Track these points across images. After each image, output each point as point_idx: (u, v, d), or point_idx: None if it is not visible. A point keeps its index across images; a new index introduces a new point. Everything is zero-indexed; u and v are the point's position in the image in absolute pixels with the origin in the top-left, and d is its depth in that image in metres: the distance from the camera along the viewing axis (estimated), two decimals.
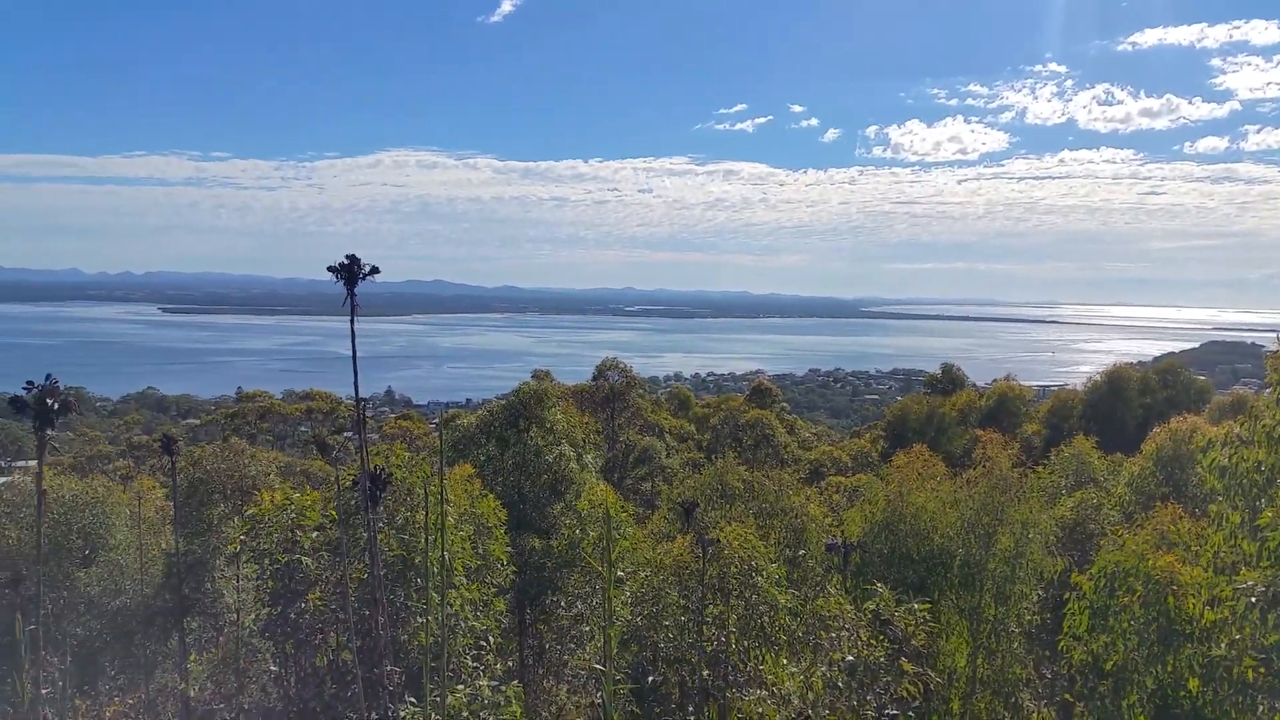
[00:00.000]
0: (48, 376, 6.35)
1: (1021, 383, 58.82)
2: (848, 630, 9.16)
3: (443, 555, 9.15)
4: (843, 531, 18.12)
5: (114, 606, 15.48)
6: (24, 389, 6.18)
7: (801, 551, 17.82)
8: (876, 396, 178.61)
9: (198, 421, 73.98)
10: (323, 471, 34.97)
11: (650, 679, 13.50)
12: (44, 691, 8.83)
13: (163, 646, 15.52)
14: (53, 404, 6.24)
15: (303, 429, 61.22)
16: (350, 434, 58.44)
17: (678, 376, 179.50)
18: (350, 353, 8.18)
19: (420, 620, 11.40)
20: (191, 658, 12.78)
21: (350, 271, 7.74)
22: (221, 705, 11.74)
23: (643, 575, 14.90)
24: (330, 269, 7.85)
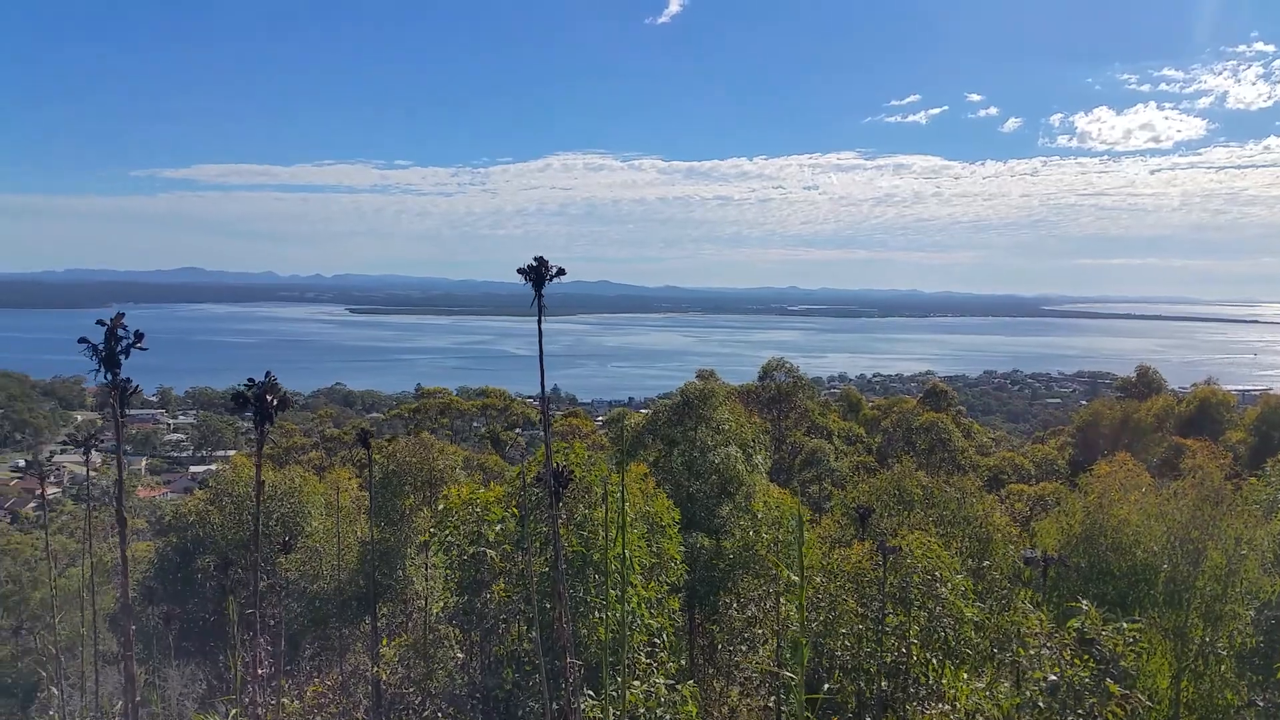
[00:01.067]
0: (266, 374, 6.74)
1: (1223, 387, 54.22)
2: (1049, 648, 8.61)
3: (622, 552, 9.21)
4: (1033, 543, 17.14)
5: (311, 591, 16.45)
6: (245, 386, 6.60)
7: (986, 563, 16.98)
8: (1058, 400, 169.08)
9: (381, 416, 78.21)
10: (497, 465, 36.11)
11: (826, 687, 13.17)
12: (260, 671, 9.42)
13: (355, 630, 16.41)
14: (272, 400, 6.63)
15: (475, 424, 63.58)
16: (521, 430, 60.33)
17: (842, 378, 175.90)
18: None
19: (598, 615, 11.54)
20: (384, 641, 13.43)
21: (538, 273, 7.86)
22: (411, 689, 12.27)
23: (817, 580, 14.57)
24: (520, 271, 7.99)
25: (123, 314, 5.71)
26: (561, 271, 7.93)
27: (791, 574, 15.26)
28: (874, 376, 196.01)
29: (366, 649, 15.03)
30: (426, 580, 14.87)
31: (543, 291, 7.92)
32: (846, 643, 13.90)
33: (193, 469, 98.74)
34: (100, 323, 5.61)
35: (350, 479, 21.07)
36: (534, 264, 7.89)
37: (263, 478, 18.69)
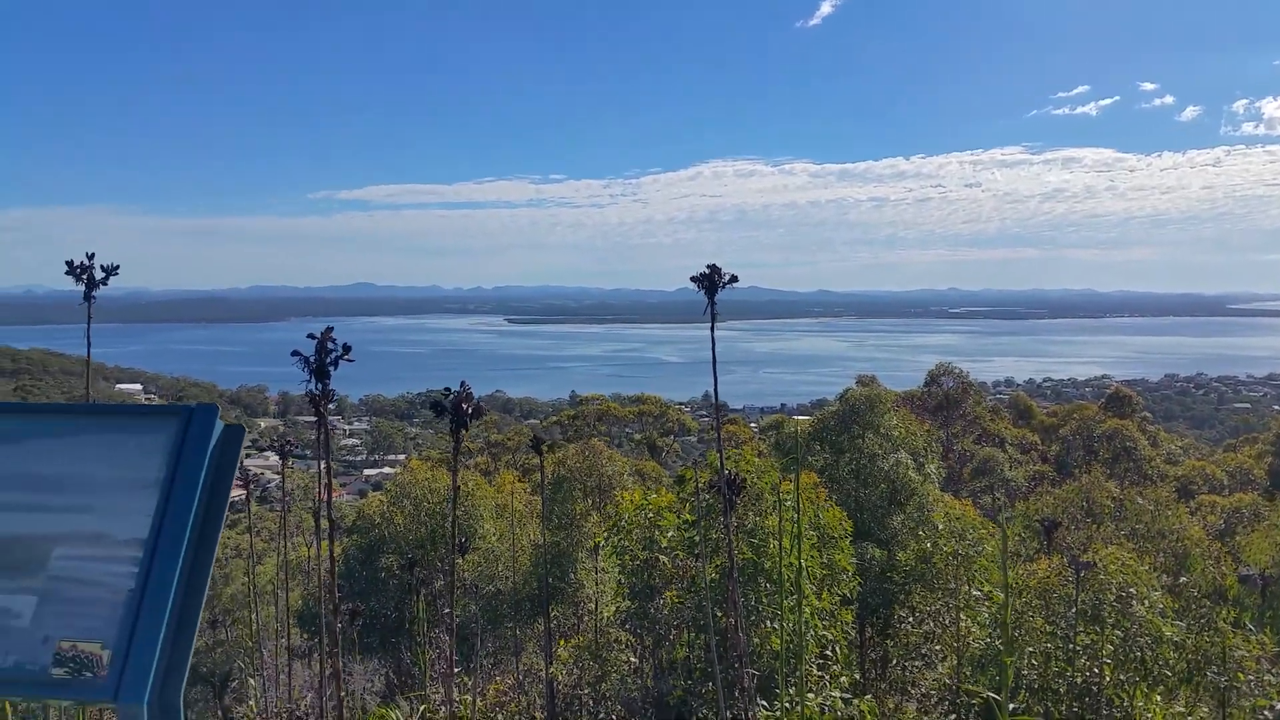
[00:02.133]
0: (461, 384, 6.98)
1: None
2: (1273, 673, 7.91)
3: (797, 561, 9.06)
4: (1236, 559, 15.86)
5: (487, 592, 16.98)
6: (442, 394, 6.84)
7: (1183, 579, 15.80)
8: (1247, 405, 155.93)
9: (538, 422, 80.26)
10: (654, 472, 36.29)
11: (1011, 707, 12.56)
12: (451, 670, 9.75)
13: (529, 630, 16.84)
14: (467, 409, 6.86)
15: (629, 430, 64.33)
16: (675, 436, 60.62)
17: (1009, 382, 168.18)
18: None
19: (771, 625, 11.42)
20: (560, 643, 13.71)
21: (711, 281, 7.83)
22: (586, 690, 12.49)
23: (999, 597, 13.93)
24: (693, 279, 7.97)
25: (331, 328, 6.00)
26: (734, 279, 7.88)
27: (975, 589, 14.66)
28: (1044, 381, 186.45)
29: (540, 649, 15.38)
30: (597, 584, 15.09)
31: (715, 299, 7.90)
32: (1033, 662, 13.24)
33: (367, 472, 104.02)
34: (311, 336, 5.90)
35: (517, 483, 21.68)
36: (706, 271, 7.86)
37: (438, 483, 19.26)
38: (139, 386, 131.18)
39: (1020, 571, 13.48)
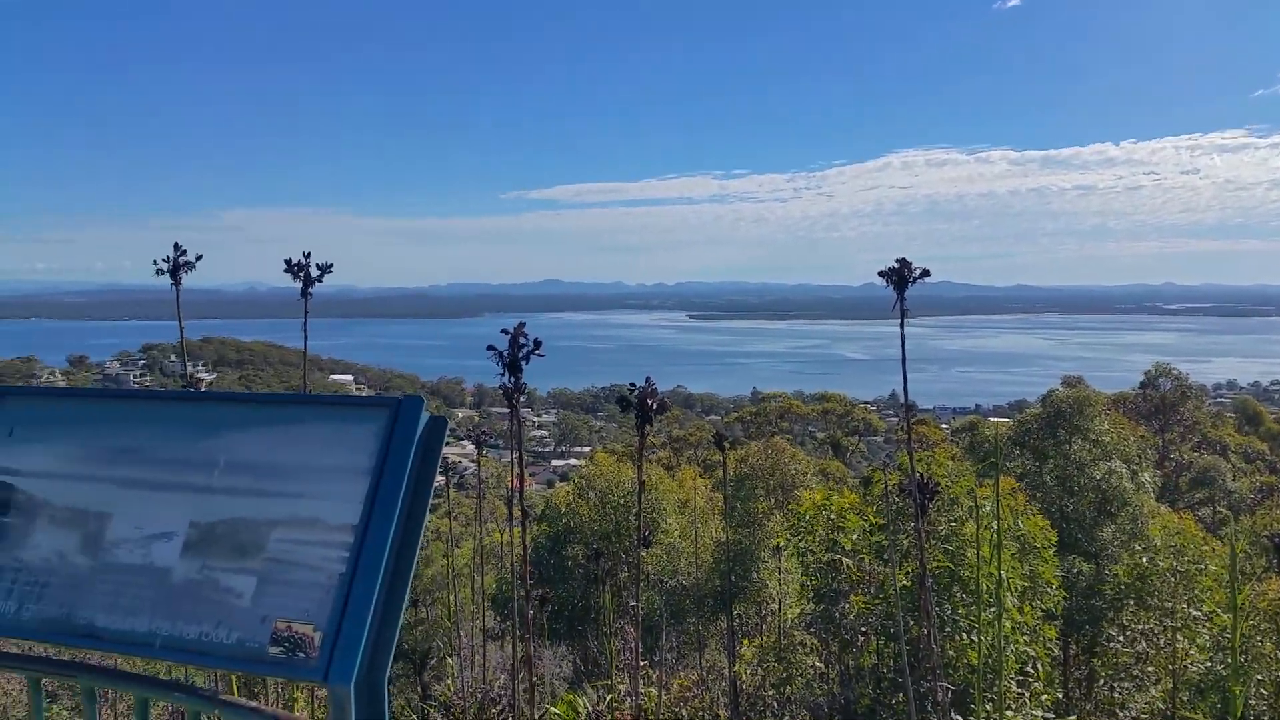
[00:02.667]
0: (646, 379, 6.98)
1: None
2: None
3: (997, 572, 8.54)
4: None
5: (670, 586, 17.07)
6: (629, 389, 6.86)
7: None
8: None
9: (720, 418, 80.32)
10: (838, 472, 35.50)
11: None
12: (637, 661, 9.83)
13: (712, 626, 16.83)
14: (652, 404, 6.85)
15: (811, 428, 63.26)
16: (861, 436, 59.11)
17: (1231, 385, 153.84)
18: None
19: (967, 637, 10.87)
20: (743, 641, 13.63)
21: (900, 275, 7.47)
22: (770, 692, 12.33)
23: (1223, 617, 12.70)
24: (881, 273, 7.64)
25: (523, 324, 6.12)
26: (925, 273, 7.48)
27: (1195, 609, 13.44)
28: (1271, 384, 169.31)
29: (723, 646, 15.33)
30: (780, 584, 14.87)
31: (904, 294, 7.54)
32: (1262, 691, 12.03)
33: (554, 463, 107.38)
34: (504, 331, 6.03)
35: (699, 479, 21.69)
36: (896, 265, 7.52)
37: (622, 476, 19.48)
38: (350, 377, 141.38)
39: (1248, 592, 12.24)
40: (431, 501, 2.10)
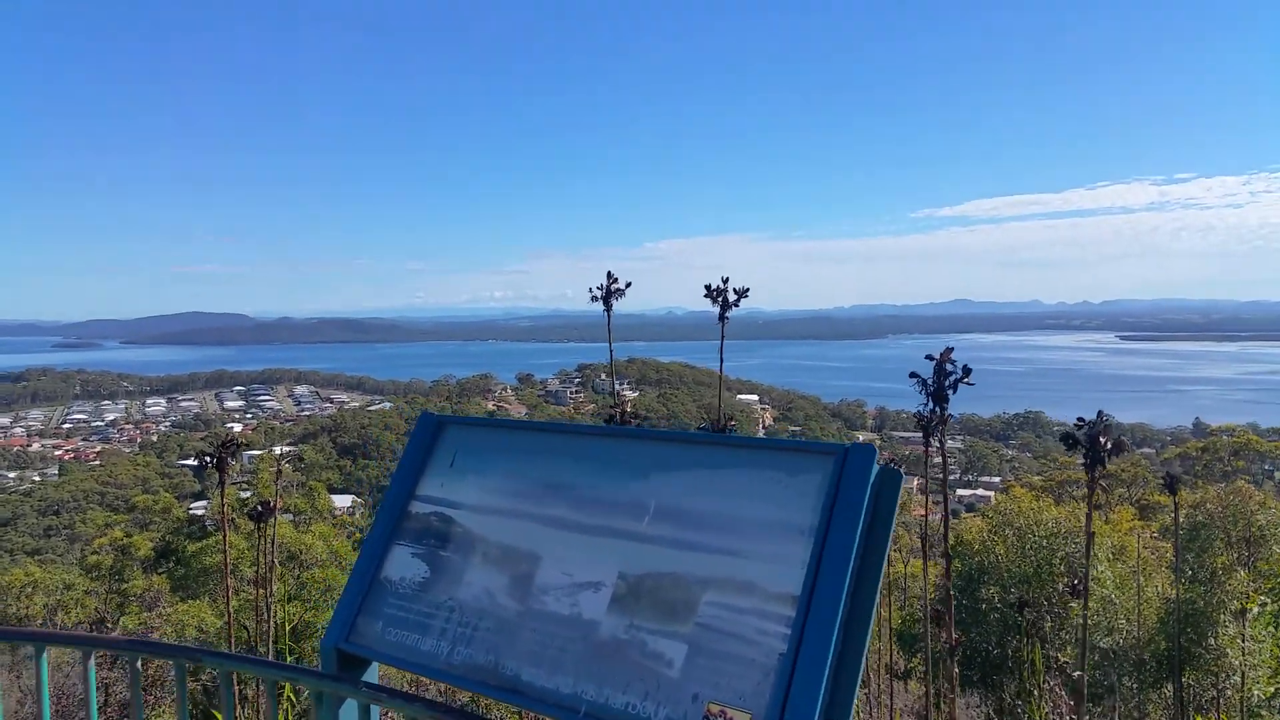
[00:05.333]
0: (1098, 414, 6.03)
1: None
2: None
3: None
4: None
5: (1104, 644, 15.09)
6: (1075, 425, 5.97)
7: None
8: None
9: (1154, 451, 71.01)
10: None
11: None
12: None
13: (1155, 695, 14.60)
14: (1105, 443, 5.89)
15: (1269, 467, 53.57)
16: None
17: None
18: None
19: None
20: (1196, 717, 11.59)
21: None
22: None
23: None
24: None
25: (951, 349, 5.57)
26: None
27: None
28: None
29: (1166, 718, 13.21)
30: (1244, 654, 12.47)
31: None
32: None
33: (960, 492, 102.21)
34: (929, 358, 5.54)
35: (1138, 523, 19.07)
36: None
37: (1044, 514, 17.62)
38: (755, 397, 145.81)
39: None
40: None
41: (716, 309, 7.51)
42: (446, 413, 2.65)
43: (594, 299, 7.52)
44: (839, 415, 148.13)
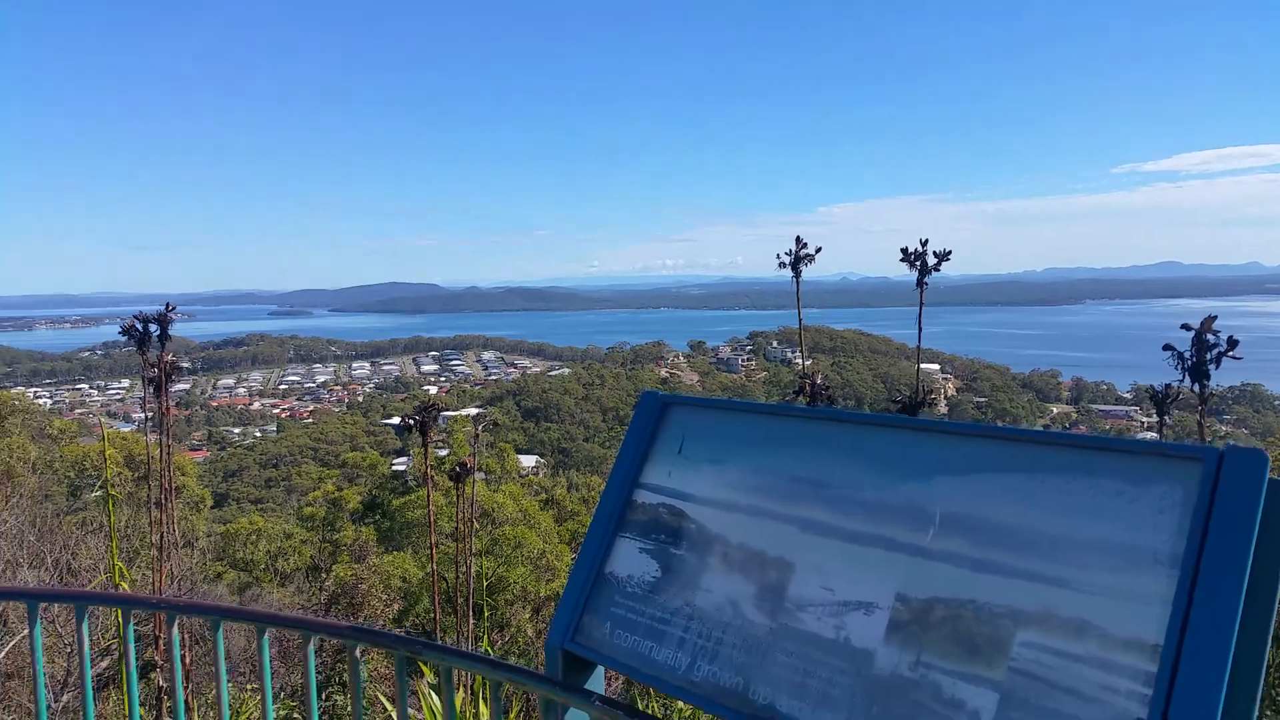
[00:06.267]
0: None
1: None
2: None
3: None
4: None
5: None
6: None
7: None
8: None
9: None
10: None
11: None
12: None
13: None
14: None
15: None
16: None
17: None
18: None
19: None
20: None
21: None
22: None
23: None
24: None
25: (1213, 317, 4.85)
26: None
27: None
28: None
29: None
30: None
31: None
32: None
33: None
34: (1185, 327, 4.83)
35: None
36: None
37: None
38: (936, 366, 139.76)
39: None
40: None
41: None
42: (660, 390, 2.37)
43: (781, 265, 7.19)
44: (1030, 386, 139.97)
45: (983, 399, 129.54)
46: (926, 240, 6.57)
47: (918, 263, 6.74)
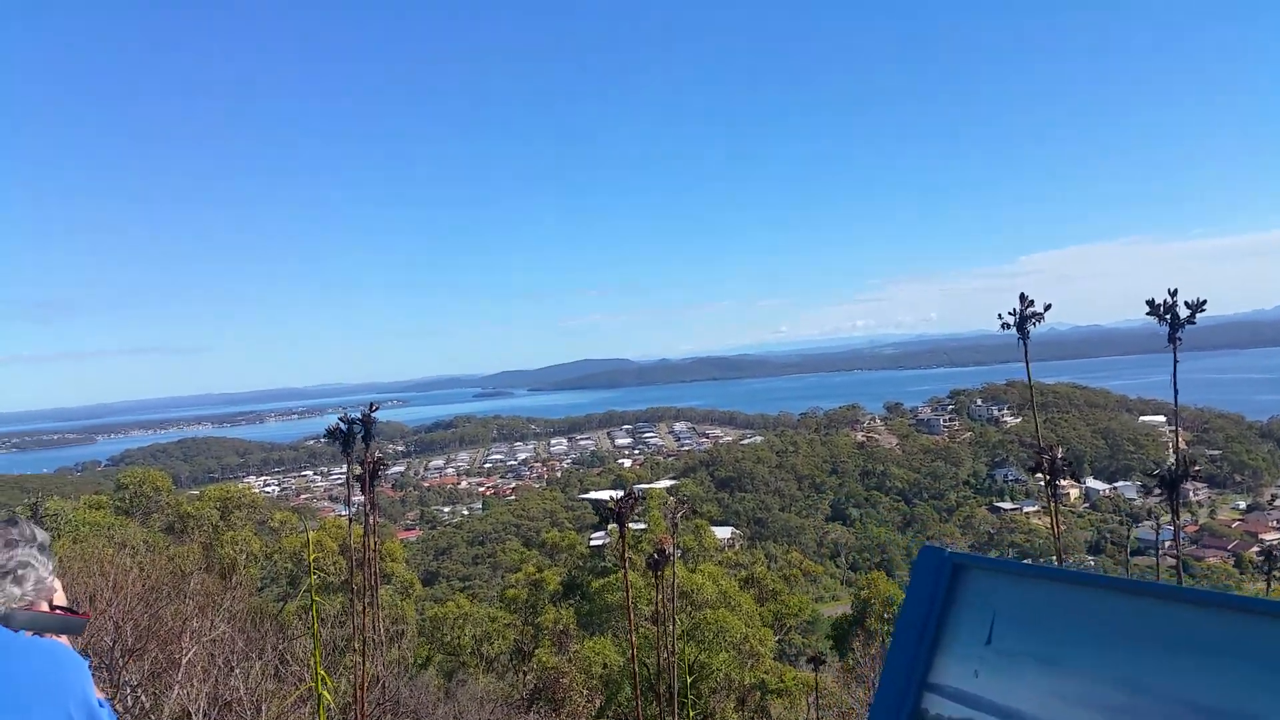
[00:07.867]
0: None
1: None
2: None
3: None
4: None
5: None
6: None
7: None
8: None
9: None
10: None
11: None
12: None
13: None
14: None
15: None
16: None
17: None
18: None
19: None
20: None
21: None
22: None
23: None
24: None
25: None
26: None
27: None
28: None
29: None
30: None
31: None
32: None
33: None
34: None
35: None
36: None
37: None
38: (1162, 418, 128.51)
39: None
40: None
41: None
42: (939, 542, 1.84)
43: (1005, 326, 6.72)
44: (1270, 435, 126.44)
45: (1216, 451, 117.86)
46: (1176, 290, 5.89)
47: (1167, 315, 6.07)
